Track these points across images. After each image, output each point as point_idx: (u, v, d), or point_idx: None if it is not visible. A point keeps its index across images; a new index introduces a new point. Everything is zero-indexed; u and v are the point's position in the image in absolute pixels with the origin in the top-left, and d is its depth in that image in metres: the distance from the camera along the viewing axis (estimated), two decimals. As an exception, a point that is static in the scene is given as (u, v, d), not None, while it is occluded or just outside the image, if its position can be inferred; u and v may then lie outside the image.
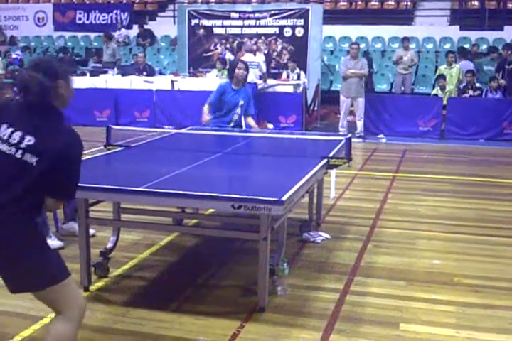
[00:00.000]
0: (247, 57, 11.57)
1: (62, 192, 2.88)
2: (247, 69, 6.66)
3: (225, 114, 6.62)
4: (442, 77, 12.20)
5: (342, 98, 11.59)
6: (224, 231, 4.87)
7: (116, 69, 14.36)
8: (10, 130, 2.72)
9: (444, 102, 11.79)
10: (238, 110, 6.64)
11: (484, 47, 16.08)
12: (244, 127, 6.87)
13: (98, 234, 5.36)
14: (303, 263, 4.92)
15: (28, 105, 2.78)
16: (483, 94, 12.17)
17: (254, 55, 11.94)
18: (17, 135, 2.70)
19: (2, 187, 2.67)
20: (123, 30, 18.99)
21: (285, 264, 4.46)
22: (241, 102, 6.61)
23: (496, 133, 11.46)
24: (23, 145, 2.68)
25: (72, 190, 2.90)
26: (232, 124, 6.62)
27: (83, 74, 14.50)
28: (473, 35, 16.63)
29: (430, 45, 16.92)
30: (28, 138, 2.69)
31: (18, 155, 2.67)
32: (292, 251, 5.06)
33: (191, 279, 4.52)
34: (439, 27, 17.23)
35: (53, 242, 5.16)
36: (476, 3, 17.97)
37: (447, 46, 16.48)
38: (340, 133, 10.95)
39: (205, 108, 6.71)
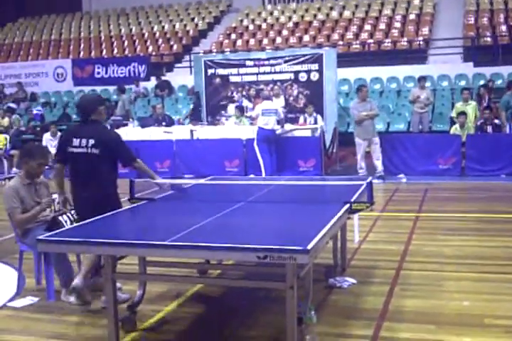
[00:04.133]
0: (265, 104, 11.73)
1: (126, 160, 5.15)
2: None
3: None
4: (463, 114, 12.22)
5: (358, 141, 11.53)
6: (249, 281, 4.85)
7: (135, 121, 14.62)
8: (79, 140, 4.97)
9: (463, 139, 11.79)
10: None
11: (500, 82, 16.16)
12: None
13: (124, 287, 5.36)
14: (330, 309, 4.89)
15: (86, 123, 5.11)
16: (508, 128, 12.19)
17: (272, 101, 12.10)
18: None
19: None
20: (141, 84, 19.38)
21: (312, 312, 4.42)
22: None
23: (516, 168, 11.41)
24: (89, 145, 4.93)
25: (129, 157, 5.15)
26: None
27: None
28: (488, 70, 16.74)
29: (445, 83, 17.03)
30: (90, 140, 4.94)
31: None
32: (319, 298, 5.03)
33: (218, 330, 4.50)
34: (453, 64, 17.42)
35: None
36: (489, 39, 18.15)
37: (462, 83, 16.59)
38: (360, 175, 10.97)
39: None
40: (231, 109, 14.20)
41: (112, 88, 19.63)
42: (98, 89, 20.55)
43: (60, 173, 5.27)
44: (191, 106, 15.79)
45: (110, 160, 5.05)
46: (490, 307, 4.79)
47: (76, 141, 4.99)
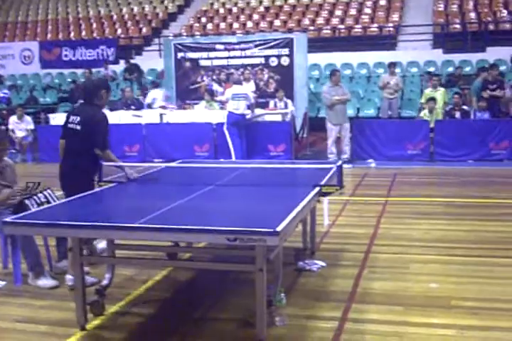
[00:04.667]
0: (235, 88, 11.66)
1: (96, 144, 5.26)
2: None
3: None
4: (433, 99, 12.33)
5: (330, 126, 11.60)
6: (219, 263, 4.85)
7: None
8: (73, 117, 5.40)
9: (431, 125, 11.90)
10: None
11: (468, 69, 16.31)
12: None
13: (92, 271, 5.31)
14: (300, 292, 4.91)
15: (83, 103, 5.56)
16: (472, 114, 12.33)
17: (242, 85, 12.04)
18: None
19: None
20: (109, 67, 19.13)
21: (282, 294, 4.44)
22: None
23: (483, 154, 11.57)
24: (76, 122, 5.33)
25: (100, 143, 5.28)
26: None
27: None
28: (457, 57, 16.90)
29: (414, 69, 17.15)
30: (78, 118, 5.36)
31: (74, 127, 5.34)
32: (288, 281, 5.04)
33: (188, 313, 4.49)
34: (422, 51, 17.52)
35: (47, 281, 5.13)
36: (458, 26, 18.29)
37: (431, 69, 16.71)
38: (330, 159, 11.02)
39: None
40: (153, 94, 14.03)
41: (80, 71, 19.36)
42: (66, 71, 20.27)
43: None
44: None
45: (89, 139, 5.28)
46: (456, 290, 4.86)
47: (71, 118, 5.45)
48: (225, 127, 11.61)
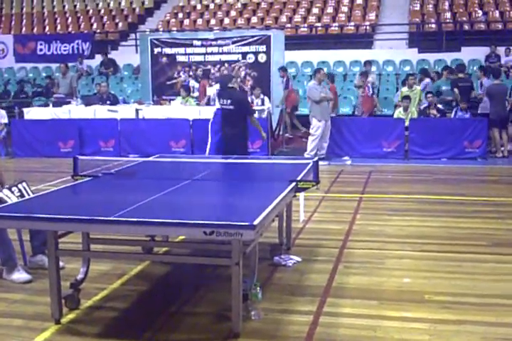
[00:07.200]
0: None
1: (248, 113, 8.16)
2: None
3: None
4: (407, 98, 12.44)
5: (318, 123, 11.54)
6: (195, 257, 4.86)
7: (78, 99, 14.32)
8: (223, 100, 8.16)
9: (406, 123, 12.00)
10: None
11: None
12: None
13: (67, 265, 5.28)
14: (275, 286, 4.93)
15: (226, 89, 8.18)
16: (454, 113, 12.47)
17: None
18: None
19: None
20: (84, 62, 18.97)
21: (258, 289, 4.46)
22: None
23: (457, 152, 11.71)
24: (228, 103, 8.05)
25: (249, 111, 8.24)
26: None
27: (46, 105, 14.43)
28: (432, 57, 17.07)
29: (390, 68, 17.27)
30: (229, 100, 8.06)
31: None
32: (264, 276, 5.06)
33: (164, 307, 4.49)
34: (398, 50, 17.65)
35: (21, 275, 5.09)
36: (434, 25, 18.47)
37: (407, 68, 16.84)
38: (323, 156, 11.07)
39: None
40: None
41: (54, 65, 19.15)
42: (40, 66, 20.04)
43: None
44: None
45: (240, 113, 7.95)
46: (429, 284, 4.92)
47: (222, 101, 8.06)
48: (210, 122, 11.53)
